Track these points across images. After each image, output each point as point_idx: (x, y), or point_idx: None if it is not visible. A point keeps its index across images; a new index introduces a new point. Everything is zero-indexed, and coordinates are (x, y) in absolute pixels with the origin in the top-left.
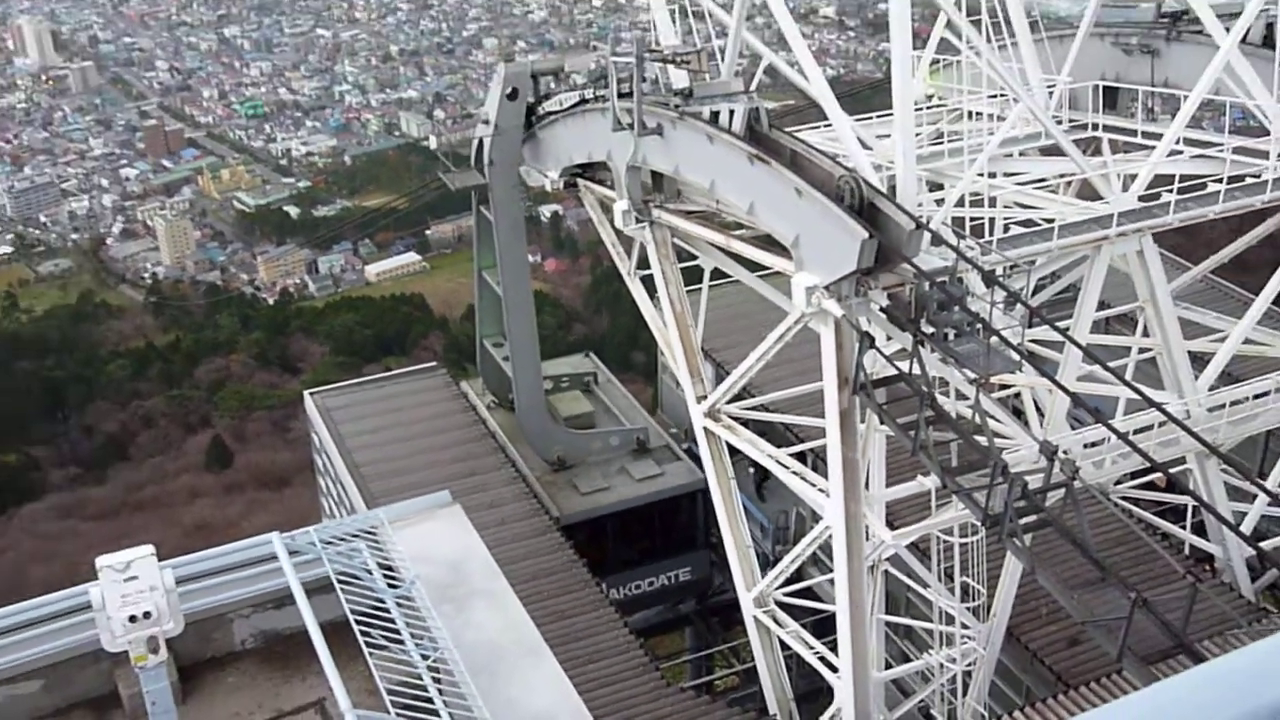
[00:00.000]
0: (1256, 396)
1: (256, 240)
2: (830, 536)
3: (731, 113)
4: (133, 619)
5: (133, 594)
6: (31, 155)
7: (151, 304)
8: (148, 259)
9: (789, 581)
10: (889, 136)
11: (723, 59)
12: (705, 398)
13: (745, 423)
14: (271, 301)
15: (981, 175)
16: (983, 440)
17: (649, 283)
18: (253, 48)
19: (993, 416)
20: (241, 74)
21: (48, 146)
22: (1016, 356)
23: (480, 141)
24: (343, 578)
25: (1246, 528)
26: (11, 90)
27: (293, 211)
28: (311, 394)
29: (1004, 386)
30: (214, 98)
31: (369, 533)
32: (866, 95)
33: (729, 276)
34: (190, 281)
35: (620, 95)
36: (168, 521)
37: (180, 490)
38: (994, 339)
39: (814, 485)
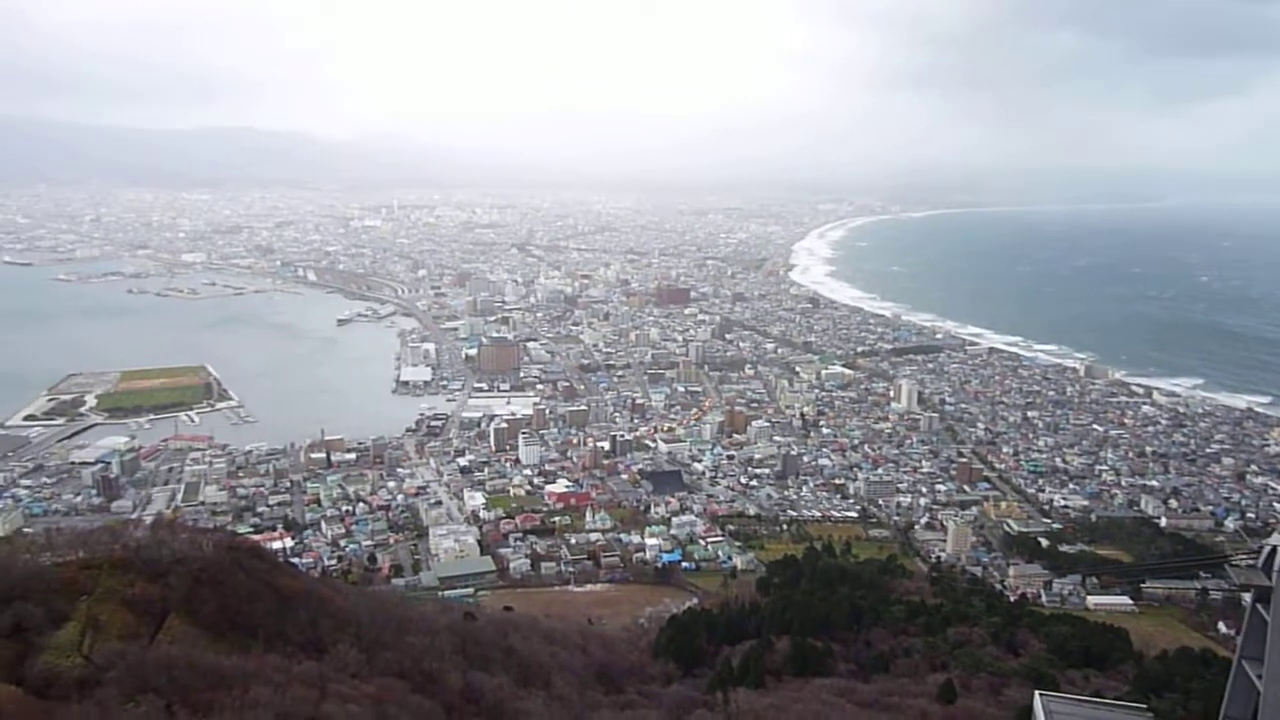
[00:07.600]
0: None
1: (1011, 555)
2: None
3: None
4: None
5: None
6: (908, 471)
7: (931, 576)
8: (936, 546)
9: None
10: None
11: None
12: None
13: None
14: (1012, 599)
15: None
16: None
17: None
18: (1045, 429)
19: None
20: (1032, 443)
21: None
22: None
23: (1274, 549)
24: None
25: None
26: (914, 431)
27: (1044, 542)
28: (1041, 695)
29: None
30: (1010, 454)
31: None
32: None
33: None
34: (960, 569)
35: None
36: None
37: (915, 708)
38: None
39: None
